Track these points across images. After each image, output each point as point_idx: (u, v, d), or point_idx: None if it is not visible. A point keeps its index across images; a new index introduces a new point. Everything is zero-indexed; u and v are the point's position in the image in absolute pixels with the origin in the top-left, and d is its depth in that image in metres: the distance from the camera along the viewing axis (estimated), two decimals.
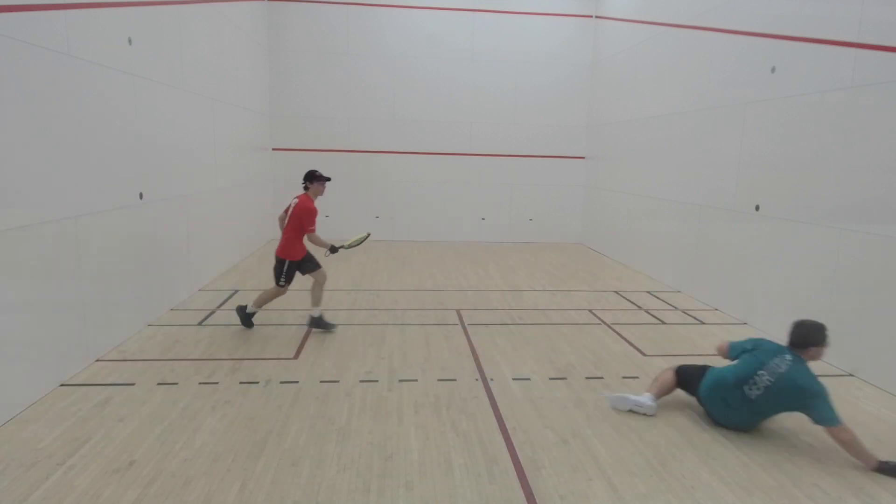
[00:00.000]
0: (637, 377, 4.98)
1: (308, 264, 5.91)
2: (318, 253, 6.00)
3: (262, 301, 5.97)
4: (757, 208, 6.51)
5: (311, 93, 11.66)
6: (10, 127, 3.95)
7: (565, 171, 12.44)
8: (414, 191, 12.21)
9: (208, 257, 8.00)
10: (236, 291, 7.57)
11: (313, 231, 5.76)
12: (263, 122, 11.14)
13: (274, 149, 11.66)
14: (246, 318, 5.97)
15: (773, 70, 6.30)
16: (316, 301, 5.92)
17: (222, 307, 6.83)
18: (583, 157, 12.39)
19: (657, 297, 7.81)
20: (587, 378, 4.94)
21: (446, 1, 11.63)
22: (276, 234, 12.20)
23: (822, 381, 3.72)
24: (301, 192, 5.85)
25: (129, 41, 5.64)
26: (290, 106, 11.64)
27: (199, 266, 7.64)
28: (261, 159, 10.98)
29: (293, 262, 5.83)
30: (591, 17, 11.91)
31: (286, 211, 5.88)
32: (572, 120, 12.28)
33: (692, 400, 4.35)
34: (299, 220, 5.71)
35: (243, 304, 6.07)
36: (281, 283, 5.87)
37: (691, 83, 8.06)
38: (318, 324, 5.95)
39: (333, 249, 5.82)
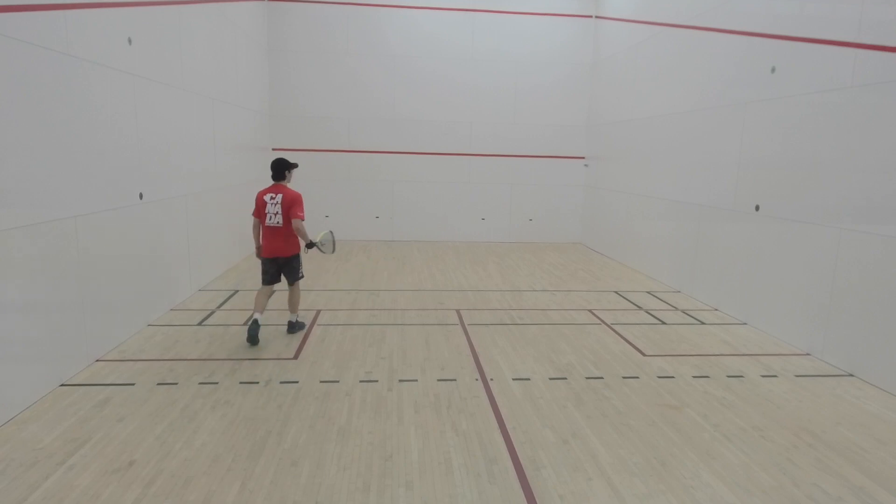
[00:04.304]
0: (637, 377, 4.98)
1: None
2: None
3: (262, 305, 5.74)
4: (757, 208, 6.51)
5: (310, 93, 11.66)
6: (10, 127, 3.95)
7: (565, 171, 12.44)
8: (414, 191, 12.21)
9: (208, 257, 7.99)
10: (236, 291, 7.56)
11: (303, 218, 5.71)
12: (263, 122, 11.14)
13: (274, 149, 11.65)
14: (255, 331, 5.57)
15: (773, 70, 6.30)
16: (296, 307, 6.02)
17: (222, 307, 6.83)
18: (583, 157, 12.39)
19: (657, 297, 7.81)
20: (587, 378, 4.94)
21: (446, 1, 11.63)
22: None
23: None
24: (269, 184, 5.87)
25: (129, 41, 5.64)
26: (290, 106, 11.64)
27: (199, 266, 7.64)
28: (261, 159, 10.96)
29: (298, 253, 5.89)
30: (591, 17, 11.91)
31: (261, 209, 5.72)
32: (572, 120, 12.28)
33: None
34: (292, 209, 5.64)
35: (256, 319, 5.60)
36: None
37: (691, 83, 8.05)
38: (295, 327, 6.02)
39: (310, 245, 5.73)
